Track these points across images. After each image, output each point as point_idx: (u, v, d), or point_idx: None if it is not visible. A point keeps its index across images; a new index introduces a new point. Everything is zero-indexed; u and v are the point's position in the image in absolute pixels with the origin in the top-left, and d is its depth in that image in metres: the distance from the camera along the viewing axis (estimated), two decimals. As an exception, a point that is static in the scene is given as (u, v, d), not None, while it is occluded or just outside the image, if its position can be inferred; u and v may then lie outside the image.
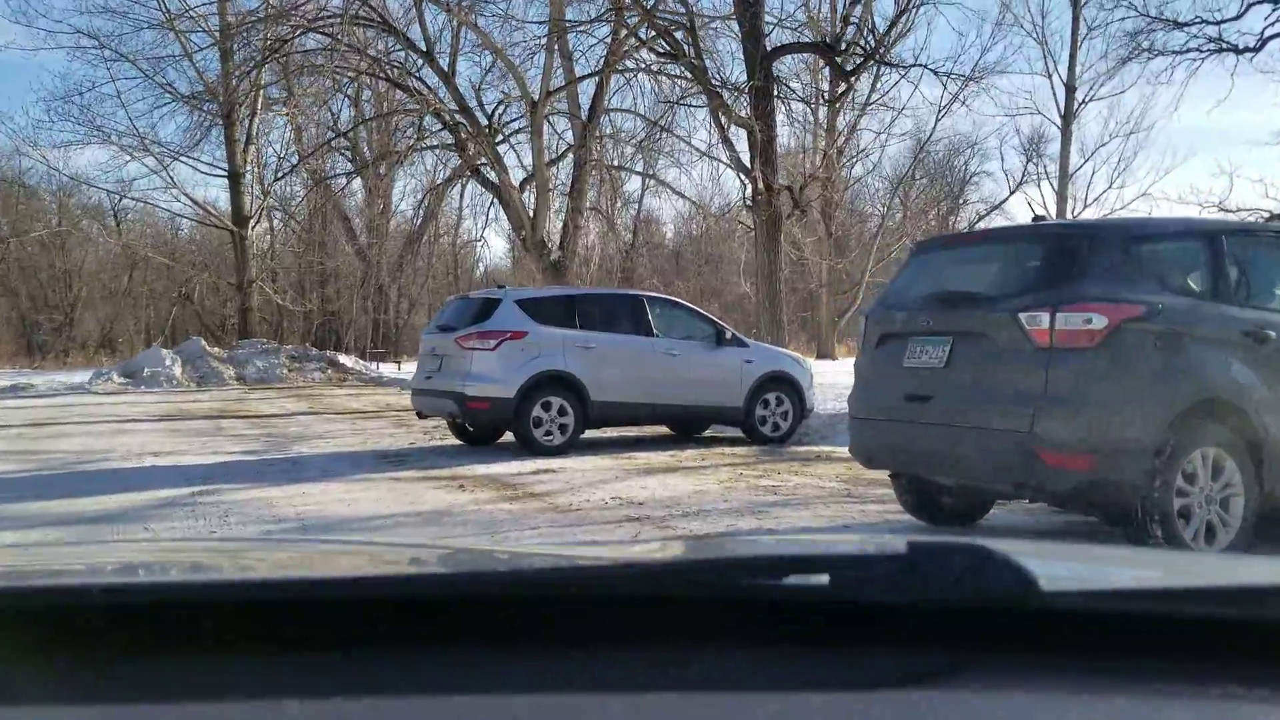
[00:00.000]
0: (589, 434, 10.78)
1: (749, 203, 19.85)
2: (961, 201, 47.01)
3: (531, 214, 25.26)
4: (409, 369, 30.60)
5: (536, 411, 10.12)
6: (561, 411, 10.21)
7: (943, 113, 24.44)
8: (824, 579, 0.88)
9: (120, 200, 38.29)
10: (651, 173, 26.57)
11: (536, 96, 24.15)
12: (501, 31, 23.86)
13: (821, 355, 32.04)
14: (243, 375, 24.77)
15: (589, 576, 1.03)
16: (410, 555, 1.53)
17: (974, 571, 0.86)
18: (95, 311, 38.00)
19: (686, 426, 11.65)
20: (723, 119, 18.97)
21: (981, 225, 50.07)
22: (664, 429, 11.82)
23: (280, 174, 28.44)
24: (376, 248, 34.79)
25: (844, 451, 10.63)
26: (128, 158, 25.57)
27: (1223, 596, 0.99)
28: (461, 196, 41.40)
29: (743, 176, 21.46)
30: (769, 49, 18.94)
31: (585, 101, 25.65)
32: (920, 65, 18.83)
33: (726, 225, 29.22)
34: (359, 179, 38.34)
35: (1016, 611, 0.88)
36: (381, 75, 25.37)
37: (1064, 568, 1.29)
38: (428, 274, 37.66)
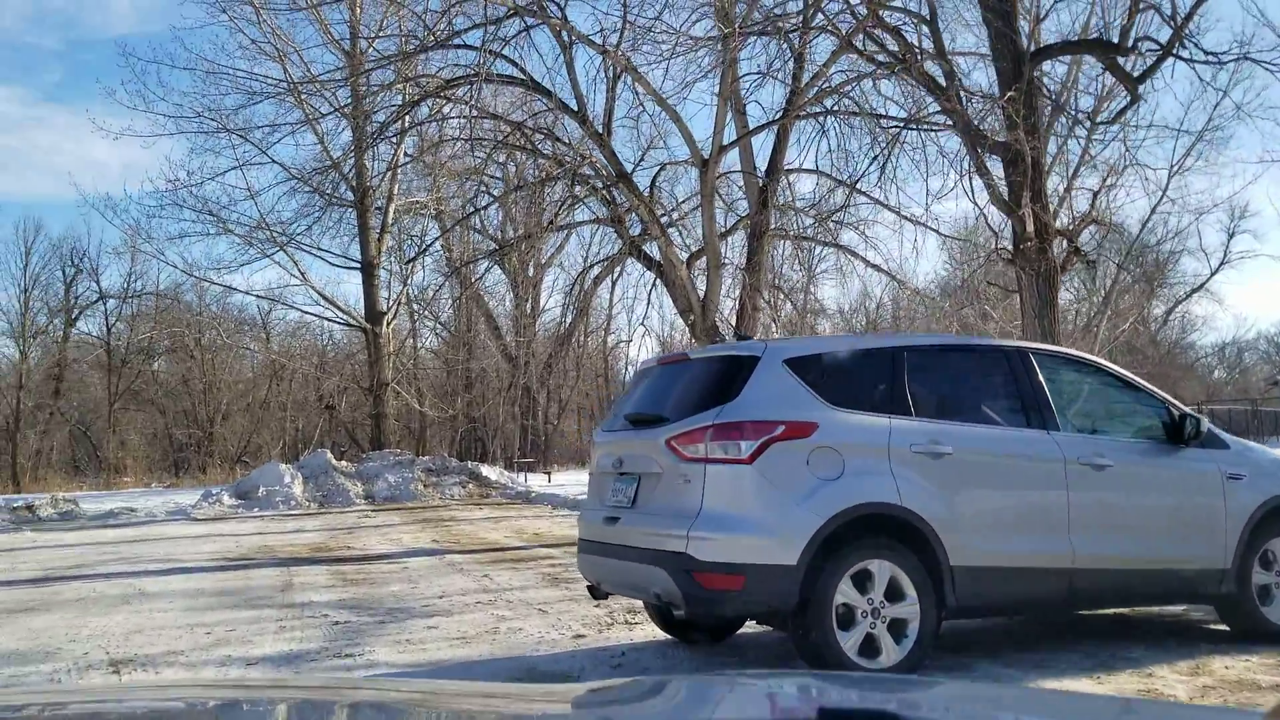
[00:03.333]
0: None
1: (1006, 255, 14.05)
2: (1157, 285, 39.59)
3: (702, 295, 19.92)
4: (560, 480, 25.20)
5: (843, 594, 4.44)
6: (893, 593, 4.51)
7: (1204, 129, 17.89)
8: None
9: (269, 310, 34.92)
10: (838, 243, 20.98)
11: (707, 154, 19.05)
12: (667, 83, 18.98)
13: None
14: (371, 493, 19.84)
15: None
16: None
17: None
18: (234, 425, 34.19)
19: (1107, 605, 5.73)
20: (969, 144, 13.32)
21: (1183, 308, 42.57)
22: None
23: (414, 255, 23.93)
24: (525, 346, 30.00)
25: None
26: (249, 249, 21.42)
27: None
28: (612, 292, 36.68)
29: (988, 221, 15.75)
30: (1031, 49, 13.38)
31: (759, 164, 20.46)
32: (1246, 57, 12.86)
33: (926, 301, 23.28)
34: (504, 277, 34.04)
35: None
36: (526, 146, 20.65)
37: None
38: (579, 375, 32.67)
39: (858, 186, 18.96)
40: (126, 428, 35.26)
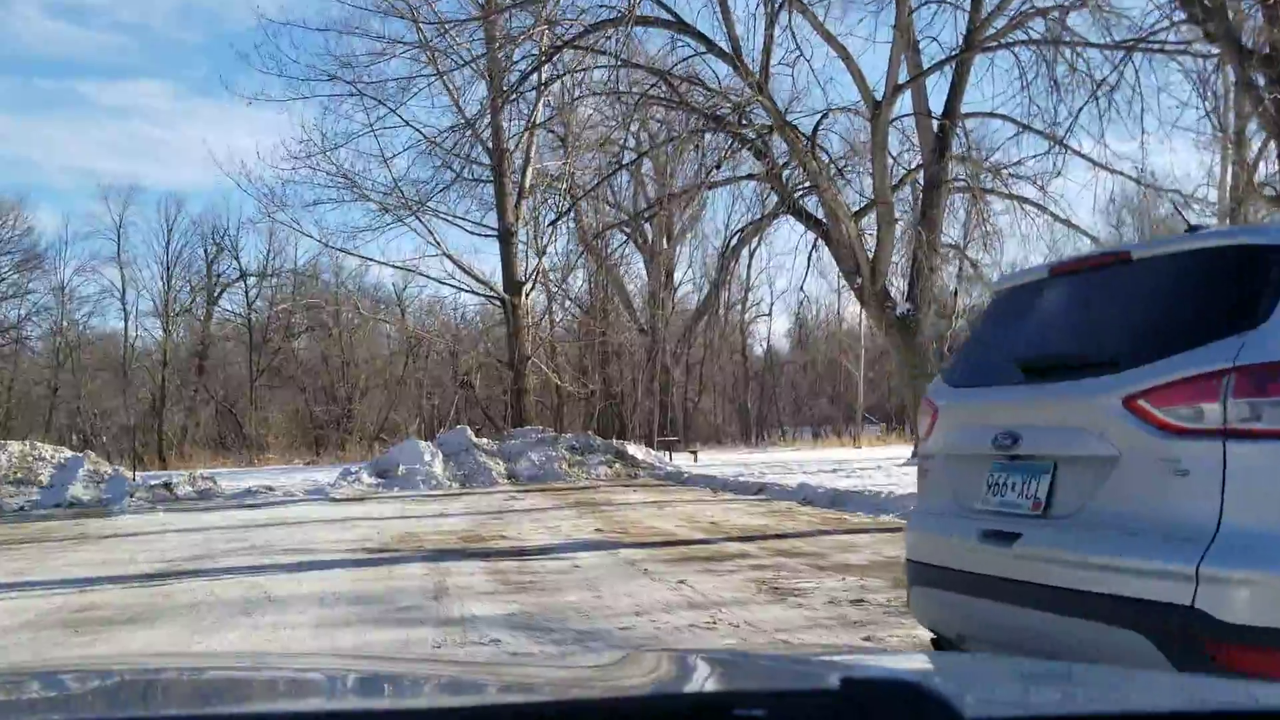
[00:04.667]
0: None
1: (1271, 190, 11.40)
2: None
3: (871, 255, 17.60)
4: (707, 459, 23.23)
5: None
6: None
7: None
8: (760, 713, 0.80)
9: (405, 288, 33.98)
10: (1025, 196, 18.27)
11: (880, 95, 16.69)
12: (829, 22, 16.64)
13: None
14: (514, 472, 18.27)
15: (510, 717, 0.91)
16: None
17: (904, 709, 0.77)
18: (372, 402, 33.32)
19: None
20: (1233, 57, 10.70)
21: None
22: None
23: (554, 219, 22.16)
24: (662, 320, 28.11)
25: None
26: (384, 215, 20.04)
27: None
28: (750, 263, 34.43)
29: (1248, 159, 13.06)
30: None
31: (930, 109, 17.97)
32: None
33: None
34: (637, 251, 32.20)
35: None
36: (672, 99, 18.55)
37: (1021, 693, 1.16)
38: (719, 348, 30.60)
39: (1053, 133, 16.39)
40: (269, 404, 34.87)
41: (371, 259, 33.89)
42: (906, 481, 13.41)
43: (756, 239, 29.21)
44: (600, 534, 9.80)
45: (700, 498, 14.02)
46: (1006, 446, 2.84)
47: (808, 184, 17.72)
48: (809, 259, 18.93)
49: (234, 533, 10.76)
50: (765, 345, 42.25)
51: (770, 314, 43.45)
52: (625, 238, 30.63)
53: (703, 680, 1.27)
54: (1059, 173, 16.13)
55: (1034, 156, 17.12)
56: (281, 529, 11.03)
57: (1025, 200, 18.36)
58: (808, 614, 5.57)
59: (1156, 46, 13.00)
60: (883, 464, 17.58)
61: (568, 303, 32.93)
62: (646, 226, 30.65)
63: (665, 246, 31.95)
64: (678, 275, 33.59)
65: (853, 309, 36.64)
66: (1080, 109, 13.82)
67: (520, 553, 8.55)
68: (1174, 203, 14.07)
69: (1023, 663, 1.87)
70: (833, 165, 17.83)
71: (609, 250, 29.41)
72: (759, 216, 21.73)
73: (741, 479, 15.63)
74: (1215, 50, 11.63)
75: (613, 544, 8.99)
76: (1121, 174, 17.13)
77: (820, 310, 37.99)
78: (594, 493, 15.32)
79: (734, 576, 6.96)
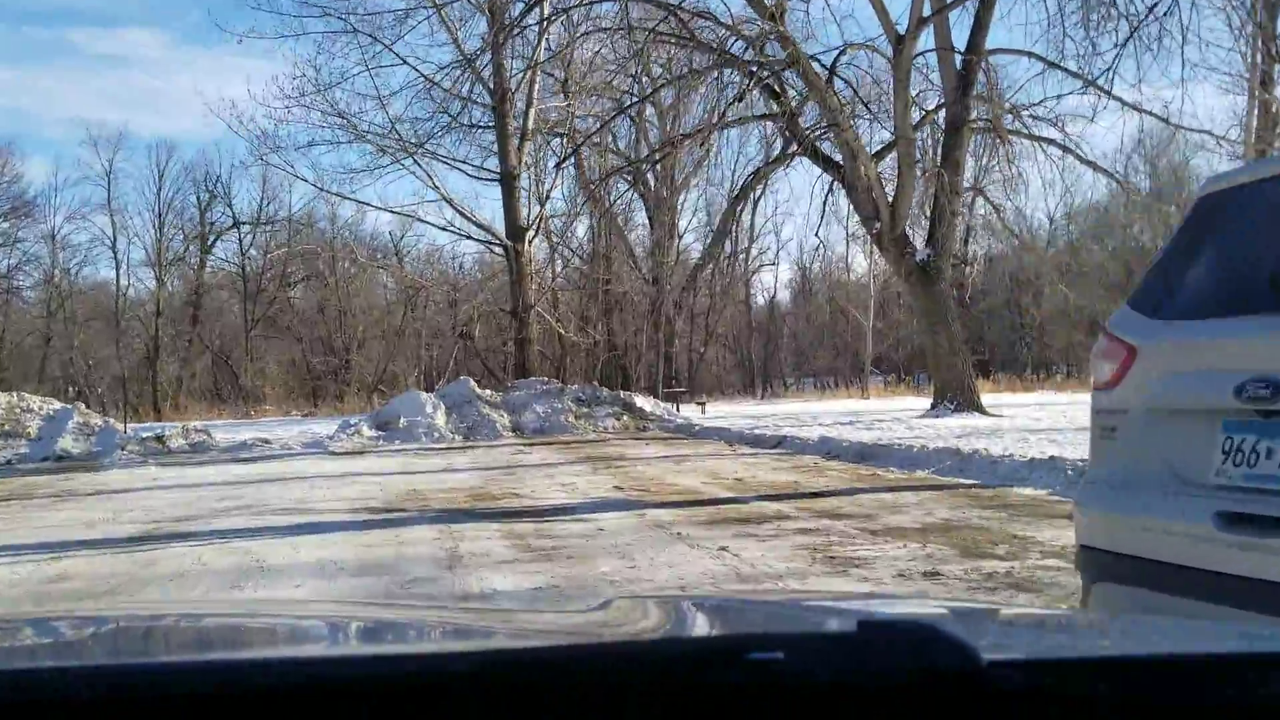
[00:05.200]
0: None
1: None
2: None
3: (891, 199, 16.74)
4: (714, 411, 22.43)
5: None
6: None
7: None
8: (778, 655, 0.77)
9: (402, 237, 33.04)
10: (1051, 138, 17.35)
11: (902, 30, 15.72)
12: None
13: None
14: (519, 424, 17.55)
15: (526, 662, 0.83)
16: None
17: (922, 651, 0.76)
18: (370, 352, 32.49)
19: None
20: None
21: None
22: None
23: (559, 161, 21.14)
24: (664, 268, 27.22)
25: None
26: (381, 156, 19.07)
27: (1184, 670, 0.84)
28: (754, 212, 33.49)
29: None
30: None
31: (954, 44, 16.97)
32: None
33: (1146, 204, 19.54)
34: (639, 199, 31.24)
35: (963, 691, 0.76)
36: (684, 37, 17.52)
37: (1039, 641, 1.12)
38: (724, 297, 29.75)
39: (1085, 72, 15.47)
40: (265, 355, 34.05)
41: (368, 203, 32.82)
42: (931, 434, 12.71)
43: (763, 186, 28.36)
44: (620, 492, 9.08)
45: (717, 451, 13.31)
46: (1262, 398, 2.05)
47: (824, 124, 16.82)
48: (824, 204, 18.06)
49: (227, 489, 10.03)
50: (770, 295, 41.43)
51: (776, 263, 42.52)
52: (628, 185, 29.67)
53: (715, 624, 1.25)
54: (1093, 116, 15.18)
55: (1058, 96, 16.23)
56: (278, 485, 10.30)
57: (1050, 141, 17.46)
58: (878, 589, 4.84)
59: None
60: (900, 416, 16.86)
61: (569, 253, 32.03)
62: (649, 176, 29.67)
63: (668, 194, 30.99)
64: (681, 224, 32.68)
65: (861, 258, 35.81)
66: (1124, 44, 12.89)
67: (537, 513, 7.82)
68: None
69: (1045, 609, 1.65)
70: (857, 99, 16.89)
71: (612, 199, 28.48)
72: (768, 161, 20.81)
73: (757, 431, 14.93)
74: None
75: (636, 503, 8.26)
76: (1153, 114, 16.24)
77: (827, 259, 37.14)
78: (605, 446, 14.60)
79: (779, 542, 6.22)
